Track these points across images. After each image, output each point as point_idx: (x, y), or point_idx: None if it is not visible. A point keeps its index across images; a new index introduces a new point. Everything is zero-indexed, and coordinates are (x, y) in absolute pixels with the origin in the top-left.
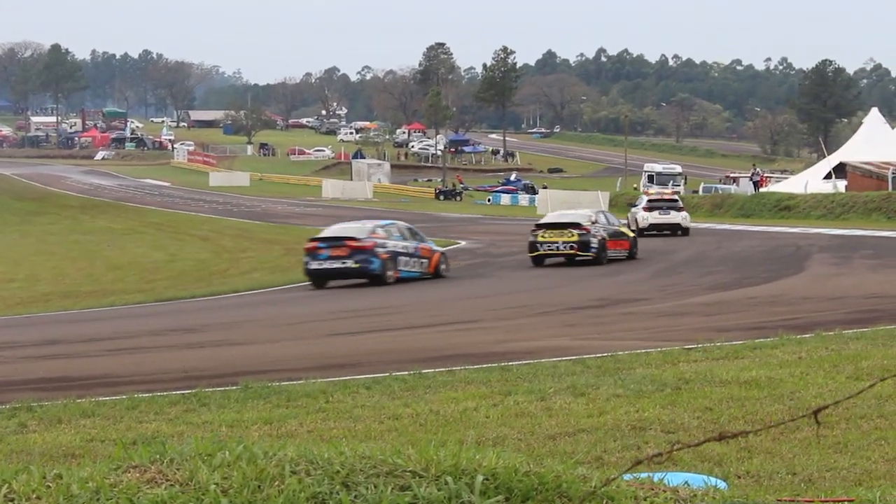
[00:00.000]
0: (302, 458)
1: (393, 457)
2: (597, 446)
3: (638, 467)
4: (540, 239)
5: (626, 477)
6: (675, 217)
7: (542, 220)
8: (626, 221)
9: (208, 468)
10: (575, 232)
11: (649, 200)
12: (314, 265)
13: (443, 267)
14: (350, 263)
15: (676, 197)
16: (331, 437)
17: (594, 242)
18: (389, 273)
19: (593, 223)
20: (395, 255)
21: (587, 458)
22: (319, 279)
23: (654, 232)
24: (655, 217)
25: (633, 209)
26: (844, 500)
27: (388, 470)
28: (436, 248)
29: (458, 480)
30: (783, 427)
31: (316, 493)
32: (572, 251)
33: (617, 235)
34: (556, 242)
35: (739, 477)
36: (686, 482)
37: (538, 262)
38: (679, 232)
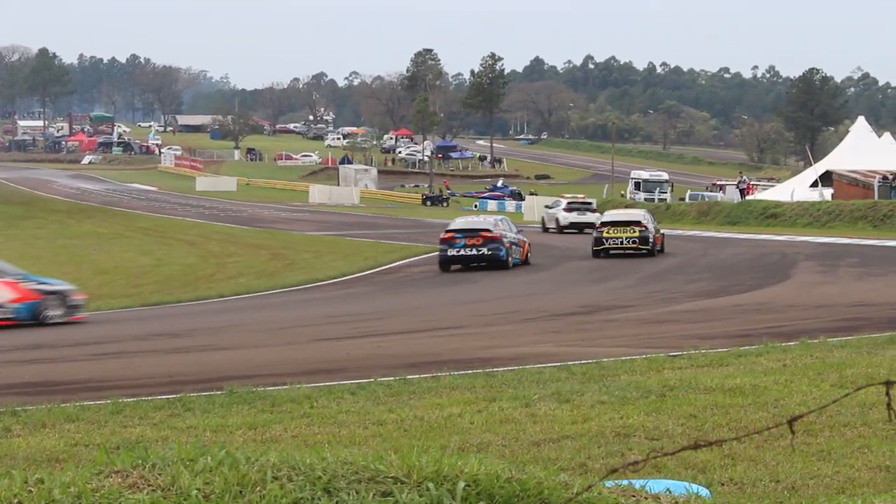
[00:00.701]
0: (284, 464)
1: (375, 463)
2: (581, 453)
3: (614, 475)
4: (605, 235)
5: (609, 484)
6: (590, 217)
7: (606, 219)
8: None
9: (190, 473)
10: (637, 229)
11: (569, 203)
12: (452, 252)
13: (530, 255)
14: (484, 251)
15: (591, 201)
16: (315, 443)
17: (650, 238)
18: (509, 259)
19: (647, 222)
20: (511, 244)
21: (571, 465)
22: (451, 264)
23: (573, 230)
24: (574, 217)
25: (552, 210)
26: None
27: (369, 476)
28: (525, 238)
29: (440, 487)
30: (767, 435)
31: (297, 498)
32: (634, 245)
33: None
34: (621, 238)
35: (723, 484)
36: (668, 489)
37: (601, 254)
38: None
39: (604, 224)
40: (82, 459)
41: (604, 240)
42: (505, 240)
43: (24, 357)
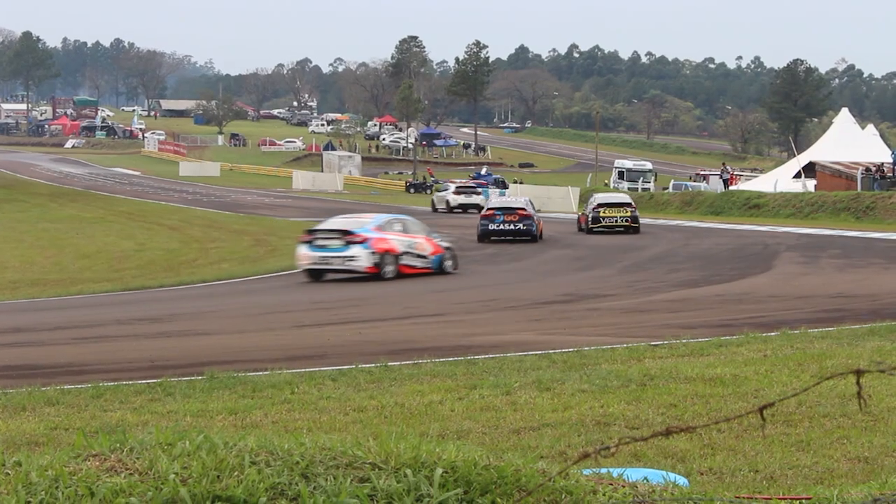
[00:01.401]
0: (262, 449)
1: (353, 449)
2: (561, 441)
3: (586, 460)
4: (602, 214)
5: (587, 472)
6: (476, 199)
7: (601, 202)
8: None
9: (168, 458)
10: (628, 209)
11: (457, 187)
12: (492, 226)
13: (542, 232)
14: (521, 226)
15: (475, 184)
16: (295, 429)
17: (534, 225)
18: (538, 234)
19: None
20: (538, 221)
21: (550, 453)
22: (491, 236)
23: (460, 210)
24: (462, 199)
25: (442, 193)
26: (803, 499)
27: (347, 462)
28: (540, 217)
29: (418, 473)
30: (747, 424)
31: (275, 483)
32: (627, 223)
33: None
34: (616, 217)
35: (702, 473)
36: (646, 478)
37: (596, 231)
38: (478, 210)
39: (600, 205)
40: (62, 443)
41: (601, 219)
42: (535, 217)
43: (4, 340)
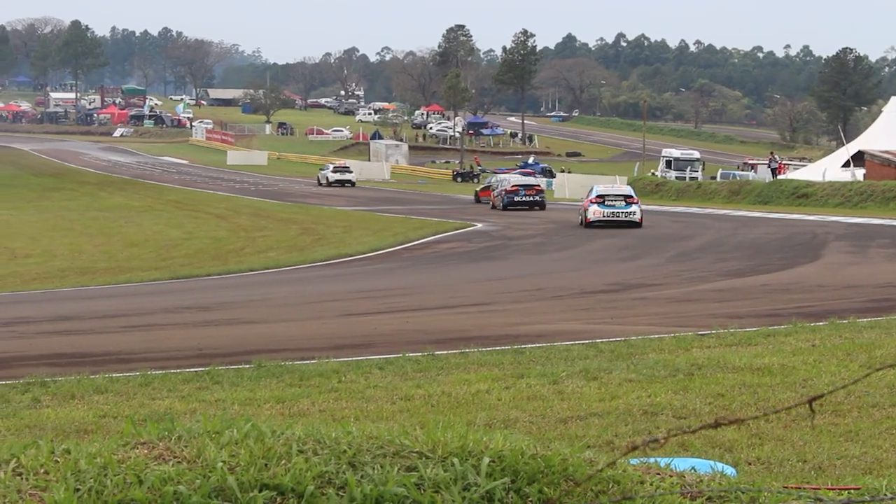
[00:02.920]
0: (309, 438)
1: (400, 437)
2: (608, 430)
3: (634, 452)
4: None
5: (634, 462)
6: (347, 175)
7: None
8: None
9: (216, 446)
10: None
11: (334, 167)
12: (517, 199)
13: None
14: (536, 198)
15: (349, 165)
16: (342, 417)
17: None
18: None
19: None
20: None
21: (597, 443)
22: (514, 206)
23: (338, 185)
24: (337, 175)
25: (323, 171)
26: (851, 489)
27: (394, 451)
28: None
29: (465, 462)
30: (795, 415)
31: (322, 472)
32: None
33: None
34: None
35: (750, 463)
36: (693, 468)
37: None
38: (350, 185)
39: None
40: (110, 431)
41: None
42: (544, 191)
43: (53, 328)
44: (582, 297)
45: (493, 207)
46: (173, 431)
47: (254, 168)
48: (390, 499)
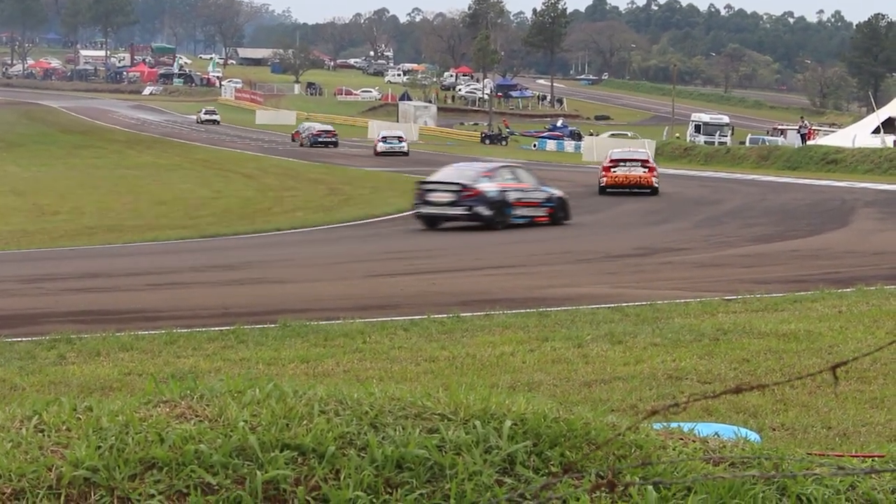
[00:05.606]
0: (331, 398)
1: (422, 399)
2: (632, 394)
3: (654, 416)
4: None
5: (657, 427)
6: (326, 139)
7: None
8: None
9: (238, 405)
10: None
11: (317, 131)
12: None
13: None
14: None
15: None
16: (367, 378)
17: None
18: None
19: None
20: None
21: (621, 407)
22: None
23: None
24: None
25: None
26: (876, 456)
27: (416, 412)
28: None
29: (487, 425)
30: (820, 381)
31: (344, 432)
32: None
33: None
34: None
35: (774, 429)
36: (716, 433)
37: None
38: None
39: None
40: (135, 388)
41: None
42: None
43: (80, 285)
44: (608, 261)
45: None
46: (195, 390)
47: (282, 128)
48: (411, 460)
